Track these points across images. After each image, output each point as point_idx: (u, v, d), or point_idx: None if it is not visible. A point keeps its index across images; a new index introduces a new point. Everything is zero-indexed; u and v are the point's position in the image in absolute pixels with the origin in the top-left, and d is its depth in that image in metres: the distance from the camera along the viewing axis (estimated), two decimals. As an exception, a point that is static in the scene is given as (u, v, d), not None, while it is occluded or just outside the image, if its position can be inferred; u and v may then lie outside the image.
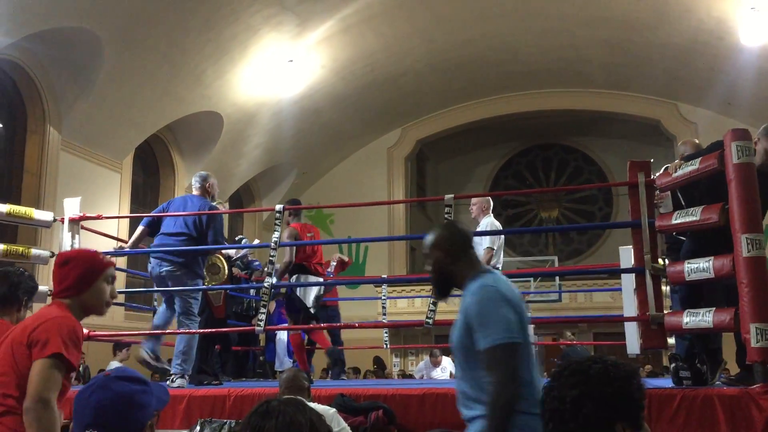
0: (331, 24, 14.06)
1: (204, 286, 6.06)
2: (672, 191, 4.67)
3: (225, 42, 13.08)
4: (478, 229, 6.48)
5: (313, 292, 6.52)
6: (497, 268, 6.33)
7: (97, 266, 2.60)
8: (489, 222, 6.44)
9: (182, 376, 5.53)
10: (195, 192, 6.15)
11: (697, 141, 4.87)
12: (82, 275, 2.56)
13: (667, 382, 4.83)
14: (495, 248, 6.27)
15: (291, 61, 14.53)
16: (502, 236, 6.50)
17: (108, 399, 1.75)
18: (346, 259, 9.15)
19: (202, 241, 5.85)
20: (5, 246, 5.72)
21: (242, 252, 7.04)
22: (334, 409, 3.78)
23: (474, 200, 6.72)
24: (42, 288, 5.97)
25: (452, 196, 5.32)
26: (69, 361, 2.32)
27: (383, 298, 9.70)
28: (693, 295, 4.39)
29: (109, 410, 1.74)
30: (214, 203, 6.25)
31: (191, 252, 5.80)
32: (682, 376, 4.35)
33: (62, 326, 2.38)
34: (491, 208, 6.65)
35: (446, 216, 5.35)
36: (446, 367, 10.25)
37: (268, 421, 1.54)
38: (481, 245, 6.22)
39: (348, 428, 3.69)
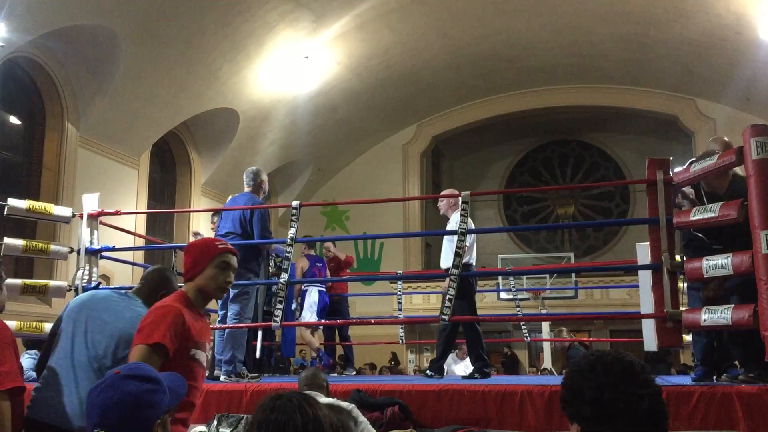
0: (347, 20, 14.07)
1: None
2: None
3: (241, 38, 13.12)
4: (448, 224, 6.29)
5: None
6: (471, 264, 6.14)
7: (207, 253, 2.72)
8: (458, 218, 6.26)
9: (238, 374, 5.50)
10: (246, 189, 6.11)
11: (726, 139, 4.77)
12: (193, 262, 2.71)
13: (684, 380, 4.81)
14: (467, 245, 6.12)
15: (306, 57, 14.55)
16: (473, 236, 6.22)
17: (114, 399, 1.74)
18: (342, 256, 9.00)
19: (251, 238, 5.82)
20: (25, 242, 5.77)
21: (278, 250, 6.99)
22: (353, 405, 3.79)
23: (444, 194, 6.55)
24: (59, 283, 6.04)
25: (468, 193, 5.30)
26: (158, 345, 2.47)
27: (399, 294, 9.70)
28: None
29: (115, 410, 1.73)
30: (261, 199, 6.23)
31: (240, 249, 5.78)
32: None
33: (156, 315, 2.56)
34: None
35: (462, 213, 5.33)
36: (469, 364, 10.20)
37: (275, 414, 1.54)
38: (452, 242, 6.05)
39: (367, 423, 3.70)
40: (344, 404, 3.75)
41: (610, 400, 1.50)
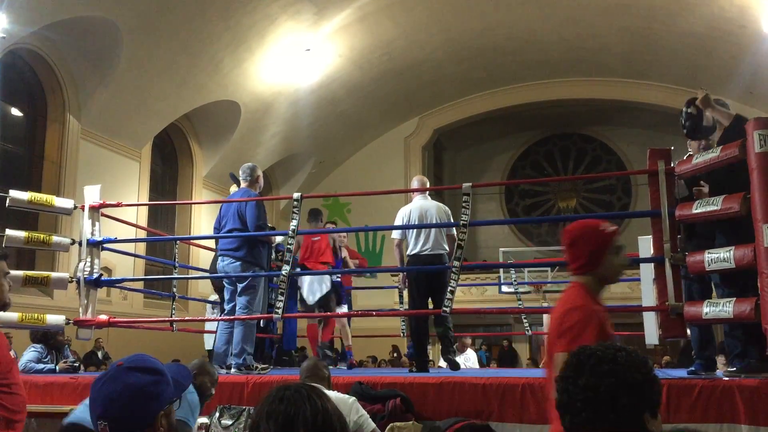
0: (349, 12, 14.03)
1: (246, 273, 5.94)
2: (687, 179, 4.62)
3: (243, 31, 13.10)
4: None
5: (305, 285, 6.86)
6: (412, 255, 6.09)
7: (605, 239, 2.62)
8: (400, 210, 6.31)
9: (247, 367, 5.53)
10: (243, 184, 6.14)
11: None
12: (593, 251, 2.60)
13: (683, 373, 4.81)
14: (399, 237, 6.22)
15: (308, 50, 14.52)
16: (415, 221, 6.13)
17: (117, 391, 1.73)
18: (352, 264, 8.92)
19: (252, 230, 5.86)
20: (27, 233, 5.76)
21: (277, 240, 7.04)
22: (354, 398, 3.78)
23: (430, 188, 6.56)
24: (61, 275, 6.04)
25: (470, 184, 5.27)
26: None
27: (400, 286, 9.68)
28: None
29: (118, 403, 1.72)
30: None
31: (244, 244, 5.82)
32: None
33: (578, 318, 2.44)
34: (421, 194, 6.43)
35: (464, 205, 5.31)
36: (469, 357, 10.22)
37: (284, 405, 1.53)
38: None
39: (367, 416, 3.69)
40: (345, 397, 3.74)
41: (566, 392, 1.54)
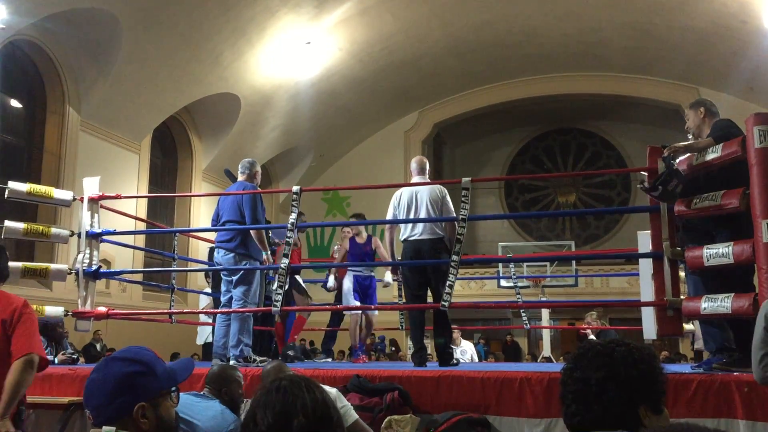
0: (349, 6, 14.00)
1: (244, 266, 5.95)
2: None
3: (243, 23, 13.07)
4: None
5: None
6: (404, 240, 6.01)
7: None
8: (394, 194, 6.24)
9: (245, 358, 5.54)
10: (240, 177, 6.15)
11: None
12: None
13: (683, 368, 4.81)
14: (389, 226, 6.34)
15: (308, 43, 14.50)
16: (400, 207, 5.99)
17: (98, 381, 1.75)
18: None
19: (249, 224, 5.87)
20: (26, 225, 5.76)
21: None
22: (336, 389, 3.80)
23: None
24: (60, 266, 6.05)
25: (469, 179, 5.26)
26: None
27: (399, 280, 9.68)
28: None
29: (98, 392, 1.74)
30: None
31: (238, 237, 5.83)
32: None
33: None
34: (418, 175, 6.35)
35: (463, 199, 5.29)
36: (466, 350, 10.23)
37: (281, 395, 1.52)
38: None
39: (350, 406, 3.71)
40: (328, 388, 3.75)
41: (563, 384, 1.58)
